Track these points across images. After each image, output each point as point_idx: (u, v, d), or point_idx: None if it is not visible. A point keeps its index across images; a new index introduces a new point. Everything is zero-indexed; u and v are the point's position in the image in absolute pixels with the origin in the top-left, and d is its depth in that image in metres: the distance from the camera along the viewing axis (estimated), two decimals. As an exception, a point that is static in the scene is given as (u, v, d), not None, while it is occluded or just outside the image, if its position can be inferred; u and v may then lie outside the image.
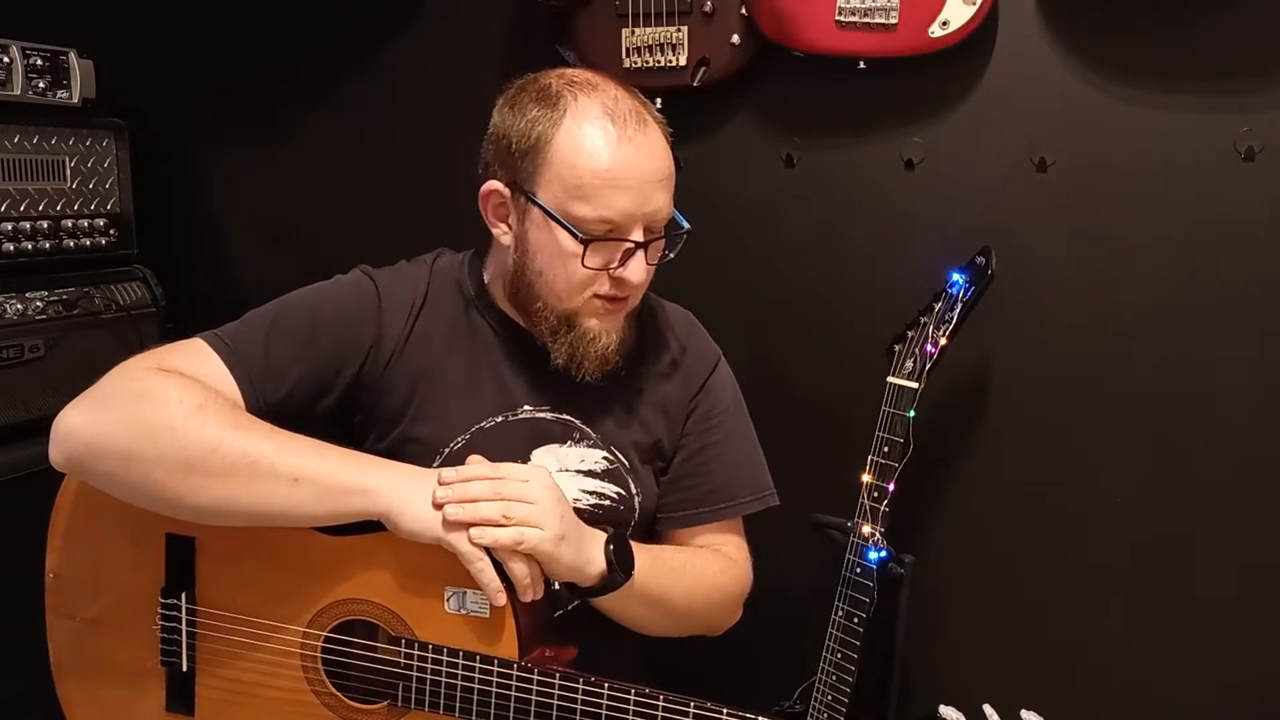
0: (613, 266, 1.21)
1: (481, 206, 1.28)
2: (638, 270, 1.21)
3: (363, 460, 1.14)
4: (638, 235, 1.20)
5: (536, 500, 1.11)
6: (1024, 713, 0.99)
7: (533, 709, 1.09)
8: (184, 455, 1.08)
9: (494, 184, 1.25)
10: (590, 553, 1.16)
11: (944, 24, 1.68)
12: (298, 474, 1.09)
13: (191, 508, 1.11)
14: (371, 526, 1.11)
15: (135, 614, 1.19)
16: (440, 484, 1.10)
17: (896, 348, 1.65)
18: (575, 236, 1.18)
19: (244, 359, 1.19)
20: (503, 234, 1.27)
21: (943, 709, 1.00)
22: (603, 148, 1.18)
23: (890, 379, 1.64)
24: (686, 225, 1.27)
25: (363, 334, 1.26)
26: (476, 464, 1.14)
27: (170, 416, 1.09)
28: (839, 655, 1.67)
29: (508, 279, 1.29)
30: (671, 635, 1.31)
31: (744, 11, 1.80)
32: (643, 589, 1.20)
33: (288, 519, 1.11)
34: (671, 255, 1.27)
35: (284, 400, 1.21)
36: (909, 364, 1.63)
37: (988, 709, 1.00)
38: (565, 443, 1.30)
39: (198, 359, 1.18)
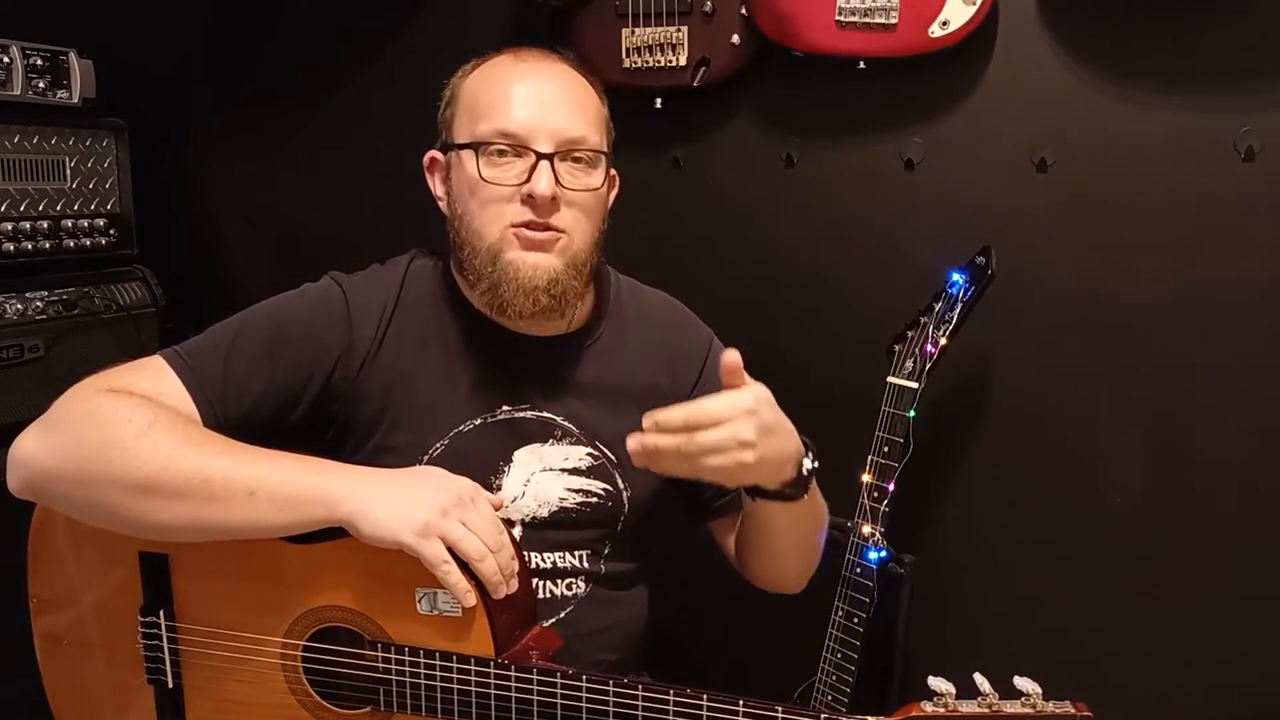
0: (521, 183, 1.20)
1: (429, 182, 1.32)
2: (544, 180, 1.19)
3: (320, 467, 1.11)
4: (542, 147, 1.20)
5: (730, 442, 1.06)
6: (1017, 680, 0.98)
7: (513, 704, 1.09)
8: (138, 475, 1.06)
9: (431, 153, 1.32)
10: (785, 470, 1.14)
11: (944, 24, 1.68)
12: (254, 486, 1.07)
13: (151, 527, 1.10)
14: (339, 532, 1.09)
15: (118, 634, 1.19)
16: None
17: (896, 348, 1.65)
18: (475, 150, 1.21)
19: (201, 376, 1.17)
20: (443, 202, 1.30)
21: (932, 680, 0.99)
22: (503, 73, 1.24)
23: (890, 379, 1.64)
24: (606, 150, 1.27)
25: (329, 344, 1.24)
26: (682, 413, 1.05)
27: (120, 437, 1.07)
28: (839, 655, 1.67)
29: (453, 248, 1.28)
30: (788, 575, 1.34)
31: (744, 11, 1.80)
32: (810, 504, 1.21)
33: (249, 531, 1.09)
34: (600, 187, 1.25)
35: (247, 415, 1.18)
36: (909, 364, 1.63)
37: (978, 677, 0.99)
38: (547, 441, 1.28)
39: (152, 377, 1.16)
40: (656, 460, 1.06)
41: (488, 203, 1.21)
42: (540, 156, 1.20)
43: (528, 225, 1.21)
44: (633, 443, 1.06)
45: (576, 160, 1.23)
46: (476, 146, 1.21)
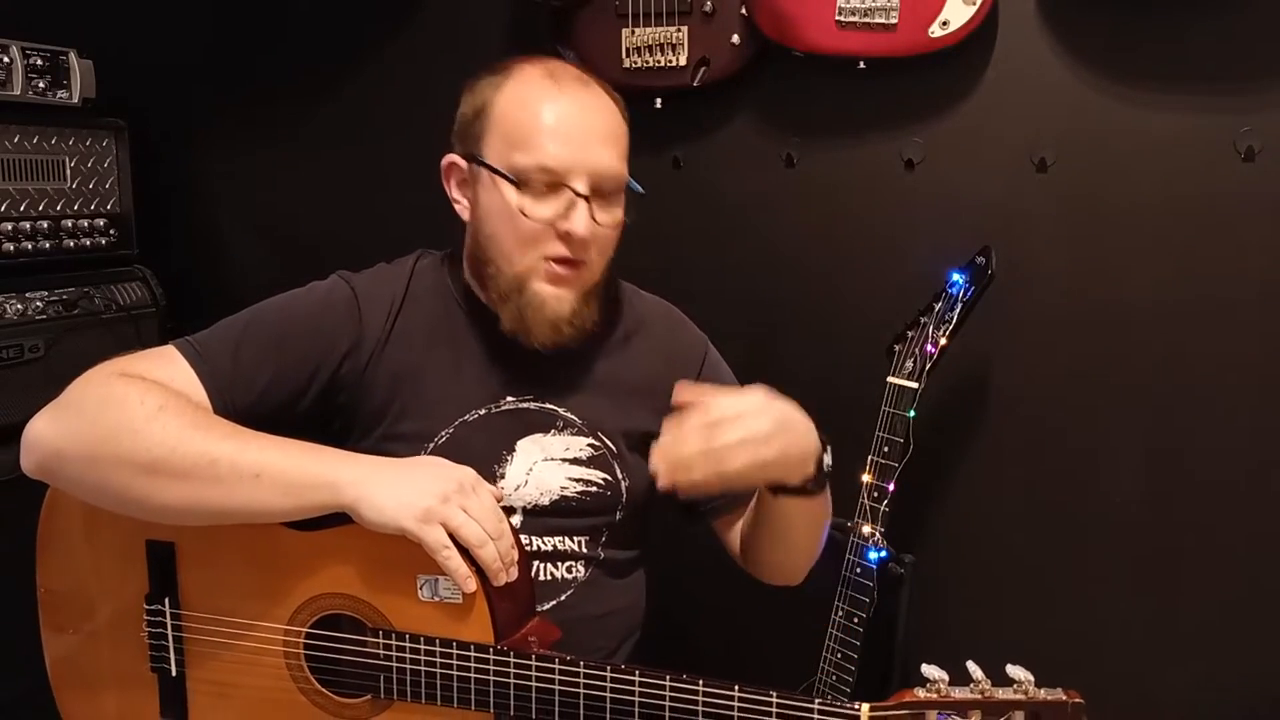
0: (558, 220, 1.21)
1: (445, 184, 1.31)
2: (582, 221, 1.20)
3: (325, 453, 1.13)
4: (580, 186, 1.21)
5: (753, 437, 1.08)
6: (1009, 667, 0.99)
7: (511, 691, 1.09)
8: (146, 457, 1.09)
9: (452, 156, 1.29)
10: (807, 466, 1.16)
11: (944, 24, 1.68)
12: (259, 470, 1.09)
13: (157, 508, 1.12)
14: (341, 519, 1.10)
15: (124, 622, 1.20)
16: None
17: (896, 348, 1.65)
18: (515, 185, 1.21)
19: (212, 364, 1.20)
20: (463, 209, 1.29)
21: (925, 667, 1.00)
22: (541, 99, 1.22)
23: (890, 379, 1.64)
24: (640, 189, 1.28)
25: (337, 338, 1.26)
26: (709, 404, 1.08)
27: (131, 419, 1.09)
28: (839, 655, 1.67)
29: (470, 255, 1.30)
30: (797, 566, 1.34)
31: (744, 11, 1.80)
32: (824, 498, 1.23)
33: (252, 515, 1.11)
34: (627, 221, 1.27)
35: (255, 405, 1.21)
36: (909, 364, 1.63)
37: (971, 665, 0.99)
38: (549, 431, 1.30)
39: (164, 364, 1.19)
40: (685, 472, 1.07)
41: (524, 235, 1.22)
42: (578, 195, 1.21)
43: (559, 260, 1.23)
44: (657, 460, 1.07)
45: (609, 193, 1.24)
46: (517, 181, 1.21)
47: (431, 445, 1.26)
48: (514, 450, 1.29)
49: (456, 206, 1.31)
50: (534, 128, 1.21)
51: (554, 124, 1.21)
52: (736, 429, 1.07)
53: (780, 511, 1.24)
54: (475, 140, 1.26)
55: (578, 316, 1.26)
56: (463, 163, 1.28)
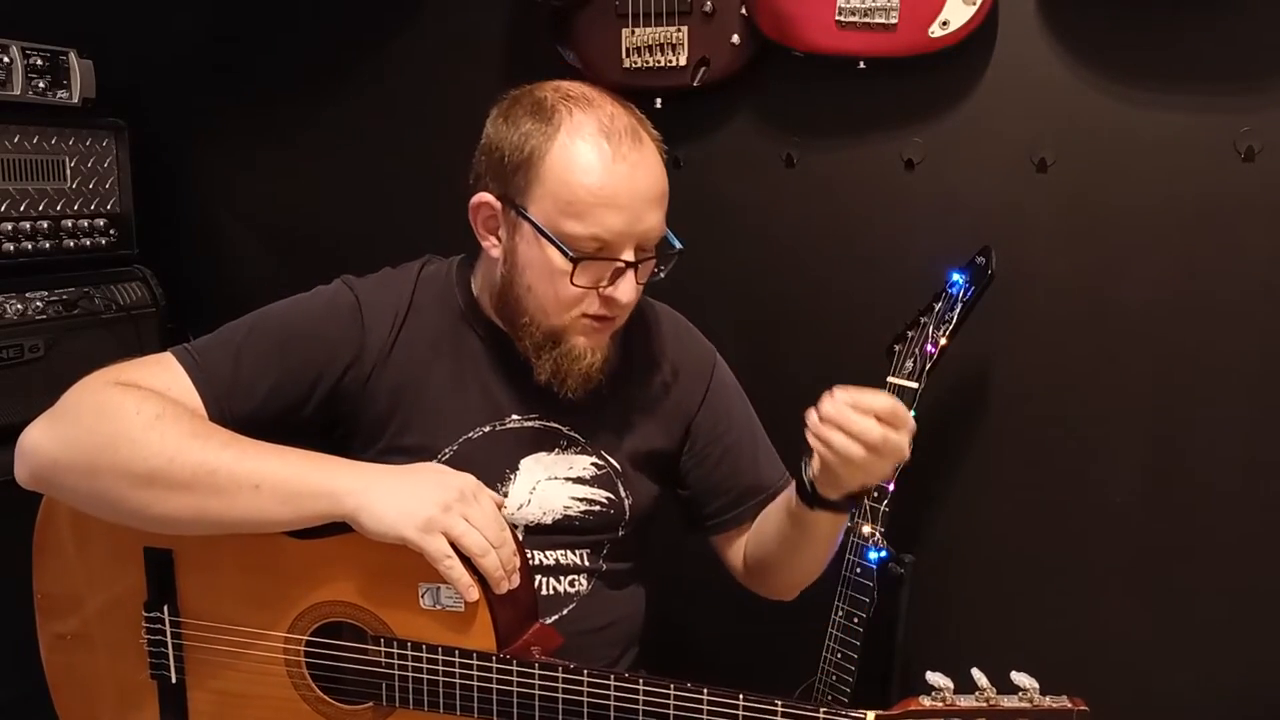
0: (602, 285, 1.19)
1: (471, 218, 1.25)
2: (627, 290, 1.19)
3: (324, 462, 1.12)
4: (629, 255, 1.18)
5: (892, 460, 1.11)
6: (1014, 674, 0.99)
7: (514, 699, 1.09)
8: (143, 467, 1.08)
9: (485, 196, 1.23)
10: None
11: (944, 24, 1.68)
12: (258, 480, 1.08)
13: (155, 518, 1.11)
14: (342, 527, 1.10)
15: (123, 629, 1.19)
16: (831, 396, 1.10)
17: (896, 348, 1.65)
18: (565, 254, 1.17)
19: (210, 373, 1.18)
20: (492, 247, 1.25)
21: (930, 675, 1.00)
22: (596, 165, 1.16)
23: (890, 379, 1.64)
24: (679, 245, 1.26)
25: (341, 346, 1.24)
26: (877, 398, 1.09)
27: (128, 428, 1.08)
28: (839, 655, 1.67)
29: (495, 291, 1.27)
30: (802, 582, 1.35)
31: (744, 11, 1.80)
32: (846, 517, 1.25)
33: (252, 525, 1.10)
34: (662, 274, 1.26)
35: (254, 413, 1.19)
36: (909, 364, 1.63)
37: (975, 672, 1.00)
38: (553, 450, 1.29)
39: (161, 373, 1.17)
40: (829, 444, 1.10)
41: (567, 298, 1.20)
42: (627, 265, 1.19)
43: (598, 319, 1.22)
44: (819, 423, 1.10)
45: (649, 252, 1.22)
46: (572, 255, 1.17)
47: (435, 462, 1.25)
48: (517, 469, 1.28)
49: (484, 243, 1.26)
50: (589, 198, 1.15)
51: (609, 194, 1.16)
52: (895, 445, 1.09)
53: (810, 524, 1.23)
54: (519, 190, 1.19)
55: (607, 363, 1.25)
56: (496, 204, 1.22)
